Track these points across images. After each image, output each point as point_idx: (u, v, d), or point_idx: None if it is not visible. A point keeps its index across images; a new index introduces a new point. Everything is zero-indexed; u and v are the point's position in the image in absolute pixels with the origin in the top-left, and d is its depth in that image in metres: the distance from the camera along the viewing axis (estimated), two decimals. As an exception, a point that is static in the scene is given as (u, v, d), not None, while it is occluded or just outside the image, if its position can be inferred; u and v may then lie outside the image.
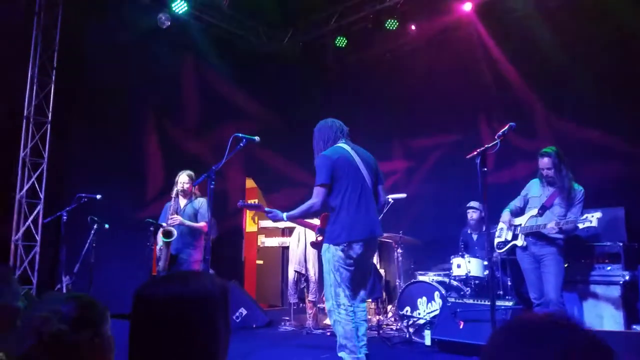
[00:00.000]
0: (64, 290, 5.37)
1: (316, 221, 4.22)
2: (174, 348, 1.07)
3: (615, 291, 4.73)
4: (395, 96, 7.60)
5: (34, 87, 6.27)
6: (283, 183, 8.31)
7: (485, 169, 2.86)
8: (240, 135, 3.63)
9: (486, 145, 2.93)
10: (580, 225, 4.13)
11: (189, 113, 7.68)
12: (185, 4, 6.90)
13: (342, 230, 3.42)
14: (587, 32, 5.93)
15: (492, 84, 6.63)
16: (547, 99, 6.21)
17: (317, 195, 3.45)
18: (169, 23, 6.94)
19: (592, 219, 4.07)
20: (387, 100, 7.71)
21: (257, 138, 3.67)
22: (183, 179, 5.09)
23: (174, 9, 6.89)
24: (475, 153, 2.92)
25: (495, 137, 2.96)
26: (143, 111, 7.16)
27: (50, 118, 6.32)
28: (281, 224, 6.96)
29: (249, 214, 9.34)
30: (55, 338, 1.30)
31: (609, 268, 4.82)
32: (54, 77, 6.36)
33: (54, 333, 1.30)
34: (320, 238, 3.84)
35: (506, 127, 3.01)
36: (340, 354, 3.41)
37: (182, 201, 5.12)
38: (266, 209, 3.66)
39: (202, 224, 4.97)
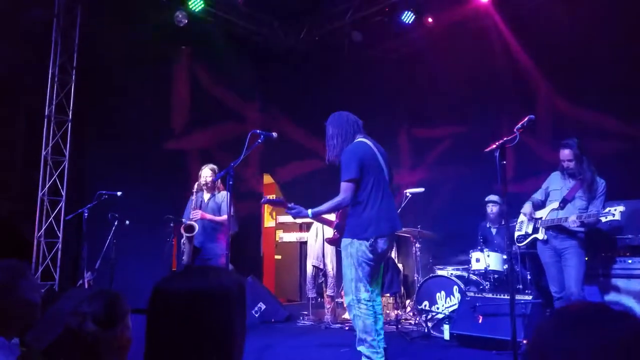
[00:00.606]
0: (86, 286, 5.48)
1: (331, 217, 4.23)
2: (189, 343, 1.08)
3: (636, 284, 4.67)
4: (412, 90, 7.56)
5: (55, 87, 6.39)
6: (300, 178, 8.34)
7: (504, 162, 2.85)
8: (258, 131, 3.67)
9: (505, 138, 2.91)
10: (603, 219, 4.08)
11: (207, 110, 7.74)
12: (202, 2, 6.94)
13: (368, 225, 3.42)
14: (610, 20, 5.80)
15: (510, 76, 6.54)
16: (566, 90, 6.11)
17: (346, 190, 3.43)
18: (186, 21, 6.99)
19: (615, 212, 4.02)
20: (404, 94, 7.67)
21: (274, 134, 3.71)
22: (206, 173, 5.14)
23: (190, 6, 6.93)
24: (494, 146, 2.90)
25: (514, 130, 2.94)
26: (162, 108, 7.24)
27: (70, 117, 6.45)
28: (299, 219, 6.98)
29: (267, 209, 9.40)
30: (84, 336, 1.32)
31: (630, 261, 4.76)
32: (74, 77, 6.48)
33: (84, 331, 1.33)
34: (336, 233, 3.85)
35: (525, 120, 2.99)
36: (359, 348, 3.44)
37: (206, 195, 5.18)
38: (289, 205, 3.64)
39: (223, 217, 5.00)
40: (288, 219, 8.32)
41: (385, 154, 3.69)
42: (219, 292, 1.13)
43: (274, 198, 3.87)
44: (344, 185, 3.45)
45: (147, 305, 1.14)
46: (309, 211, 3.54)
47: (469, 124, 6.82)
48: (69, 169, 6.39)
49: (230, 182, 3.57)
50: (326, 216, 4.19)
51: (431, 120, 7.45)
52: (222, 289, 1.14)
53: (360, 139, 3.65)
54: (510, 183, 2.91)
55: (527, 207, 4.61)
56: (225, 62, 7.65)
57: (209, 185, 5.14)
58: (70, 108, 6.46)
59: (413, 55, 7.47)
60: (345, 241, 3.53)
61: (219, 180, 5.16)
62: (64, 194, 6.33)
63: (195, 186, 5.16)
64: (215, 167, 5.21)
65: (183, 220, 5.09)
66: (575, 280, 4.22)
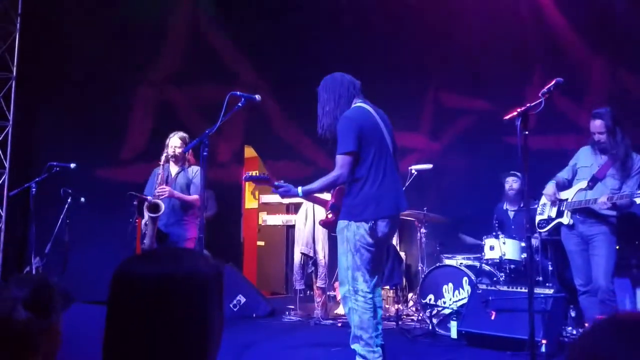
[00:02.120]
0: (34, 273, 5.48)
1: (326, 196, 4.25)
2: (157, 337, 1.07)
3: (675, 278, 4.75)
4: (422, 47, 7.46)
5: (-5, 37, 6.28)
6: (287, 151, 8.32)
7: (527, 133, 2.86)
8: (238, 93, 3.64)
9: (528, 105, 2.92)
10: (638, 200, 4.12)
11: (177, 68, 7.64)
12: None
13: (367, 205, 3.44)
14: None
15: (537, 35, 6.48)
16: (607, 52, 6.05)
17: (344, 165, 3.44)
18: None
19: (653, 193, 4.06)
20: (411, 51, 7.58)
21: (257, 97, 3.69)
22: (174, 142, 5.09)
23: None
24: (515, 113, 2.91)
25: (539, 95, 2.94)
26: (125, 65, 7.13)
27: (15, 73, 6.35)
28: (287, 200, 7.00)
29: (248, 188, 9.39)
30: (15, 325, 1.32)
31: (668, 251, 4.83)
32: (18, 25, 6.36)
33: (14, 319, 1.33)
34: (331, 216, 3.86)
35: (552, 84, 3.00)
36: (353, 346, 3.49)
37: (173, 169, 5.15)
38: (276, 182, 3.64)
39: (194, 196, 5.00)
40: (273, 199, 8.33)
41: (388, 122, 3.70)
42: (194, 277, 1.12)
43: (258, 174, 3.87)
44: (340, 159, 3.46)
45: (108, 292, 1.13)
46: (299, 189, 3.58)
47: (487, 90, 6.79)
48: (13, 136, 6.33)
49: (205, 154, 3.56)
50: (320, 195, 4.20)
51: (442, 85, 7.41)
52: (197, 274, 1.13)
53: (358, 104, 3.64)
54: (534, 158, 2.90)
55: (549, 188, 4.65)
56: (196, 11, 7.51)
57: (178, 157, 5.11)
58: (15, 64, 6.36)
59: (428, 4, 7.33)
60: (341, 224, 3.55)
61: (190, 152, 5.13)
62: (7, 165, 6.28)
63: (163, 158, 5.12)
64: (186, 135, 5.18)
65: (147, 197, 5.07)
66: (605, 272, 4.28)
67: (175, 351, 1.08)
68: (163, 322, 1.08)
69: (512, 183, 5.87)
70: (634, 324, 0.83)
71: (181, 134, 5.17)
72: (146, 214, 4.83)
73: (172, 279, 1.10)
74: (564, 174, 4.71)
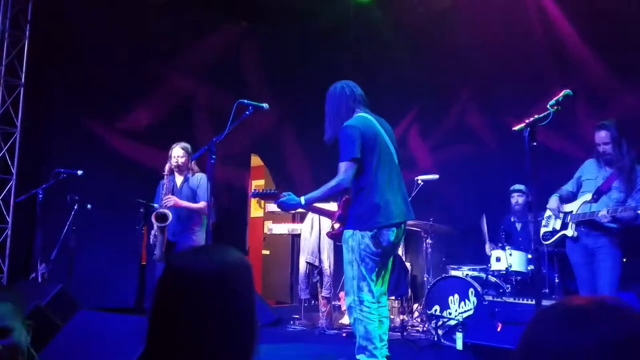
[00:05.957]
0: (39, 280, 5.49)
1: (332, 207, 4.24)
2: (212, 328, 1.13)
3: (682, 291, 4.72)
4: (429, 60, 7.49)
5: (5, 43, 6.32)
6: (295, 163, 8.34)
7: (535, 144, 2.86)
8: (246, 101, 3.66)
9: (536, 116, 2.92)
10: (643, 214, 4.10)
11: (188, 75, 7.68)
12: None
13: (371, 214, 3.43)
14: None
15: (548, 46, 6.48)
16: (615, 64, 6.05)
17: (346, 171, 3.41)
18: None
19: (659, 206, 4.05)
20: (418, 61, 7.60)
21: (265, 105, 3.70)
22: (177, 152, 5.13)
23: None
24: (523, 124, 2.91)
25: (548, 107, 2.95)
26: (134, 72, 7.16)
27: (23, 80, 6.39)
28: (291, 210, 6.99)
29: (253, 196, 9.39)
30: None
31: (676, 264, 4.80)
32: (28, 32, 6.41)
33: None
34: (338, 226, 3.84)
35: (561, 95, 3.00)
36: (358, 357, 3.47)
37: (178, 179, 5.18)
38: (281, 195, 3.63)
39: (201, 204, 5.03)
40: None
41: (391, 132, 3.70)
42: (245, 265, 1.22)
43: (266, 190, 3.87)
44: (342, 166, 3.43)
45: (162, 291, 1.17)
46: (302, 198, 3.54)
47: (495, 101, 6.79)
48: (21, 142, 6.35)
49: (212, 161, 3.57)
50: (326, 206, 4.18)
51: (449, 96, 7.42)
52: (242, 262, 1.22)
53: (360, 113, 3.64)
54: (542, 168, 2.90)
55: (552, 202, 4.64)
56: (209, 19, 7.57)
57: (182, 167, 5.15)
58: (23, 70, 6.40)
59: (435, 19, 7.36)
60: (346, 233, 3.53)
61: (193, 161, 5.16)
62: (14, 171, 6.31)
63: (167, 169, 5.15)
64: (187, 145, 5.22)
65: (155, 205, 5.10)
66: (609, 285, 4.27)
67: (228, 340, 1.16)
68: (217, 312, 1.15)
69: (517, 198, 5.86)
70: (576, 309, 0.85)
71: (183, 144, 5.21)
72: (155, 225, 4.86)
73: (231, 268, 1.19)
74: (568, 187, 4.70)
